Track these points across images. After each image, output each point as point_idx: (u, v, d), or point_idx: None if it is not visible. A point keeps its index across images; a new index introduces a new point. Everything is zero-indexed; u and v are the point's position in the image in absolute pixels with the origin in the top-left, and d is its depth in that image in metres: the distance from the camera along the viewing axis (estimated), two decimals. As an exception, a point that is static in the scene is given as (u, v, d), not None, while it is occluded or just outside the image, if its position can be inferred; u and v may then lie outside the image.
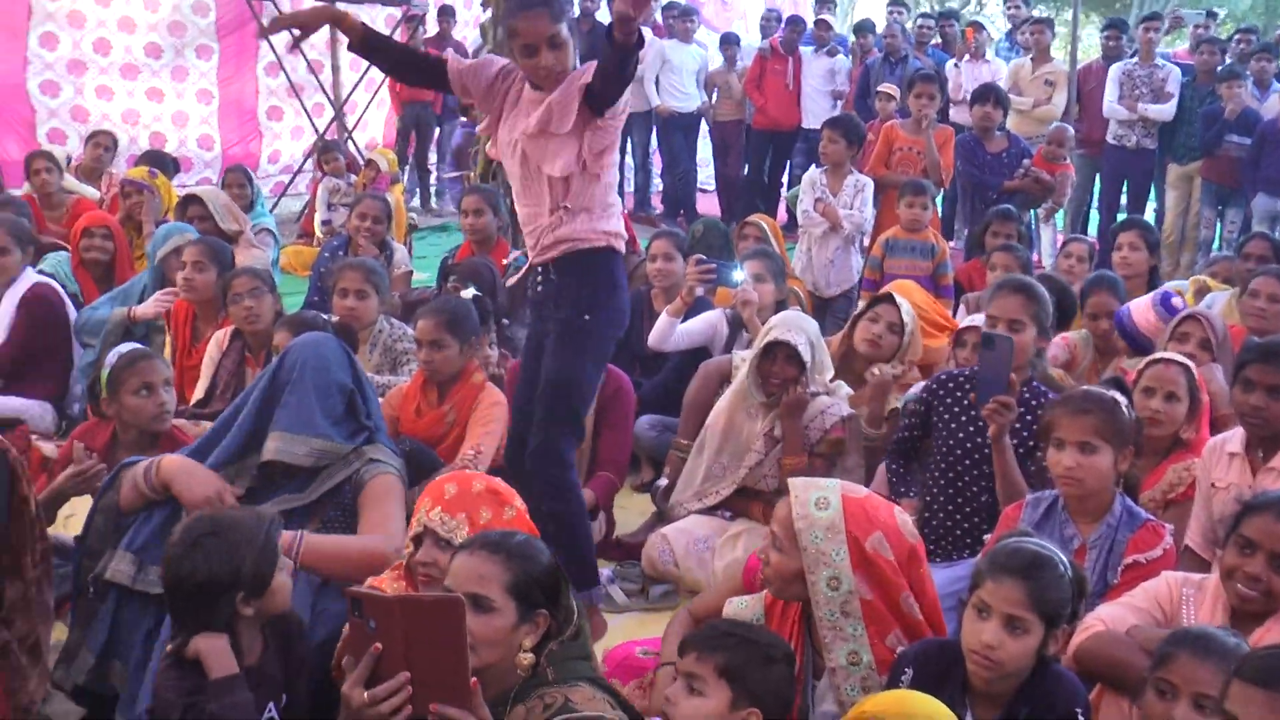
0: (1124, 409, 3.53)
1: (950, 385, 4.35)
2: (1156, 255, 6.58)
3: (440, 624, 2.39)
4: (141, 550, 3.39)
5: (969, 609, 2.77)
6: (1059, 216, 10.24)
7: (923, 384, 4.70)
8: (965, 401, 4.25)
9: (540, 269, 4.01)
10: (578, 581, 3.98)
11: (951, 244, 9.76)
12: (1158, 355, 4.41)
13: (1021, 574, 2.72)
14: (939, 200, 10.71)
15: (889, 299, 5.24)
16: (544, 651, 2.71)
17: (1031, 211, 8.85)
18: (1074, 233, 9.71)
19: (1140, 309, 5.39)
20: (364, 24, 3.97)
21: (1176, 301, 5.36)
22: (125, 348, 4.29)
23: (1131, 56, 10.39)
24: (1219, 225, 10.12)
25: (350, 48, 3.93)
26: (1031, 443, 4.06)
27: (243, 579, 2.77)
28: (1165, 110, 9.94)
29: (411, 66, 4.23)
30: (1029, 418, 4.10)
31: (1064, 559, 2.80)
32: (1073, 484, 3.49)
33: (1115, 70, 10.18)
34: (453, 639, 2.40)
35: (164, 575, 2.84)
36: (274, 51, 11.39)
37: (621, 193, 12.71)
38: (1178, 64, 10.47)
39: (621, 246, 4.08)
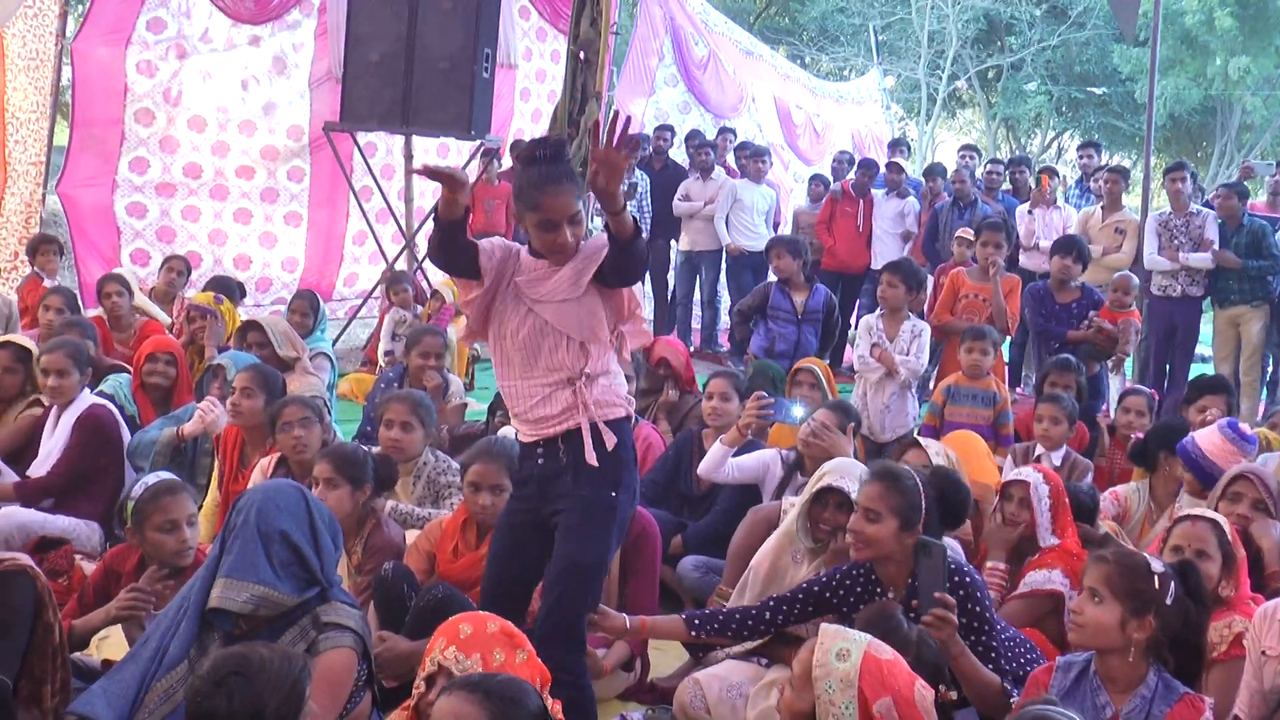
0: (1152, 576, 3.38)
1: None
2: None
3: None
4: None
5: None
6: (1128, 367, 10.08)
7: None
8: None
9: (544, 444, 3.79)
10: None
11: (1019, 390, 9.68)
12: (1186, 513, 4.31)
13: None
14: (1006, 348, 10.69)
15: (914, 444, 5.16)
16: None
17: (1100, 364, 8.68)
18: (1142, 383, 9.56)
19: (1206, 436, 5.33)
20: (466, 211, 3.73)
21: (1245, 427, 5.29)
22: (152, 478, 4.25)
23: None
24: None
25: (436, 220, 3.71)
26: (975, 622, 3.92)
27: None
28: (1206, 258, 9.77)
29: (462, 255, 3.81)
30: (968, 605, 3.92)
31: (1091, 736, 2.68)
32: (1073, 629, 3.43)
33: (1151, 221, 10.06)
34: None
35: (187, 711, 2.80)
36: (350, 184, 11.65)
37: (689, 329, 12.79)
38: (1257, 216, 10.32)
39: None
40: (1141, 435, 6.01)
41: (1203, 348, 11.38)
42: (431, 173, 3.63)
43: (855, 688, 2.89)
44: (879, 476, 4.09)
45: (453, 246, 3.76)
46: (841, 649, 2.95)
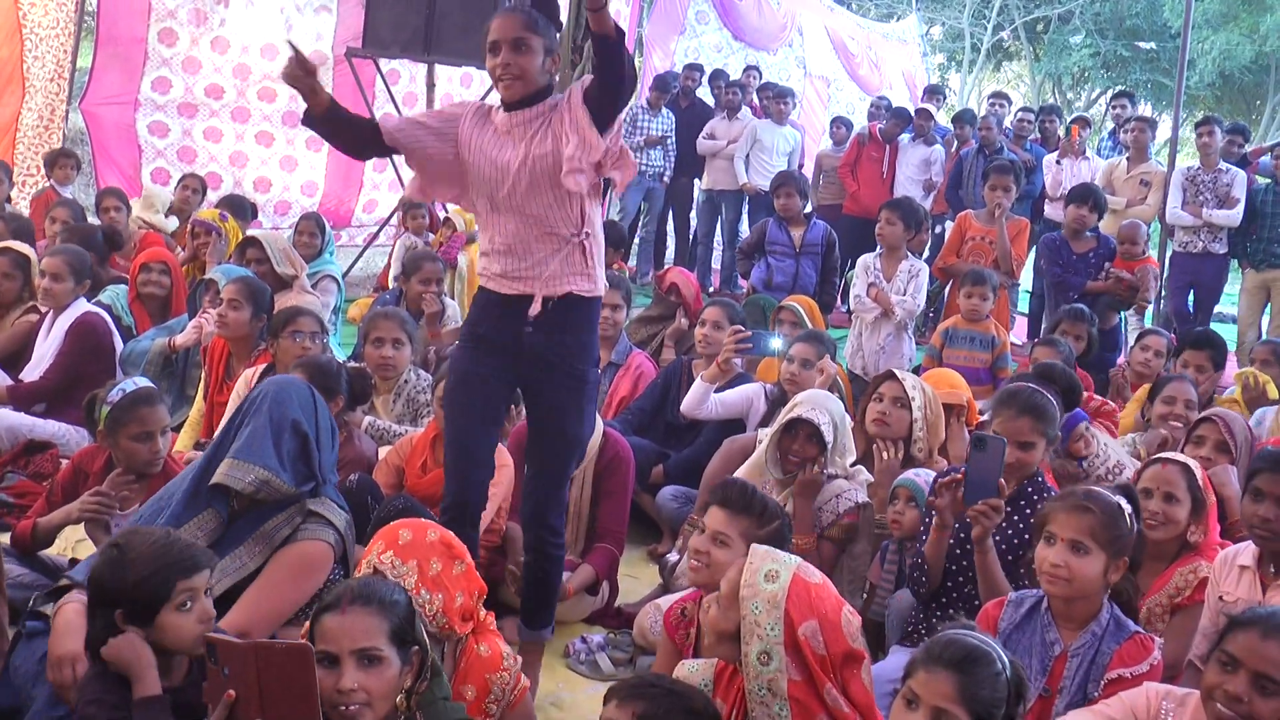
0: (1126, 517, 3.36)
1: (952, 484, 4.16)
2: (1222, 373, 6.35)
3: (292, 670, 2.41)
4: None
5: (898, 699, 2.65)
6: (1148, 317, 9.95)
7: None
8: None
9: (537, 316, 3.70)
10: (538, 620, 4.07)
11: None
12: (1157, 455, 4.26)
13: (955, 666, 2.59)
14: (1025, 299, 10.58)
15: (890, 375, 5.12)
16: (412, 693, 2.69)
17: (1121, 314, 8.60)
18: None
19: None
20: (331, 101, 3.73)
21: None
22: (129, 385, 4.26)
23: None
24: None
25: (304, 117, 3.74)
26: (1028, 537, 3.89)
27: (123, 598, 2.78)
28: (1231, 216, 9.58)
29: (353, 139, 3.87)
30: (1028, 512, 3.96)
31: (1004, 657, 2.65)
32: (1057, 583, 3.32)
33: (1178, 175, 9.89)
34: (304, 685, 2.42)
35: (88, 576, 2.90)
36: (371, 111, 11.62)
37: (709, 270, 12.74)
38: None
39: None
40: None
41: (1229, 309, 11.23)
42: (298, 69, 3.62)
43: (782, 609, 2.87)
44: (1023, 410, 4.13)
45: (339, 134, 3.84)
46: (770, 570, 2.94)
